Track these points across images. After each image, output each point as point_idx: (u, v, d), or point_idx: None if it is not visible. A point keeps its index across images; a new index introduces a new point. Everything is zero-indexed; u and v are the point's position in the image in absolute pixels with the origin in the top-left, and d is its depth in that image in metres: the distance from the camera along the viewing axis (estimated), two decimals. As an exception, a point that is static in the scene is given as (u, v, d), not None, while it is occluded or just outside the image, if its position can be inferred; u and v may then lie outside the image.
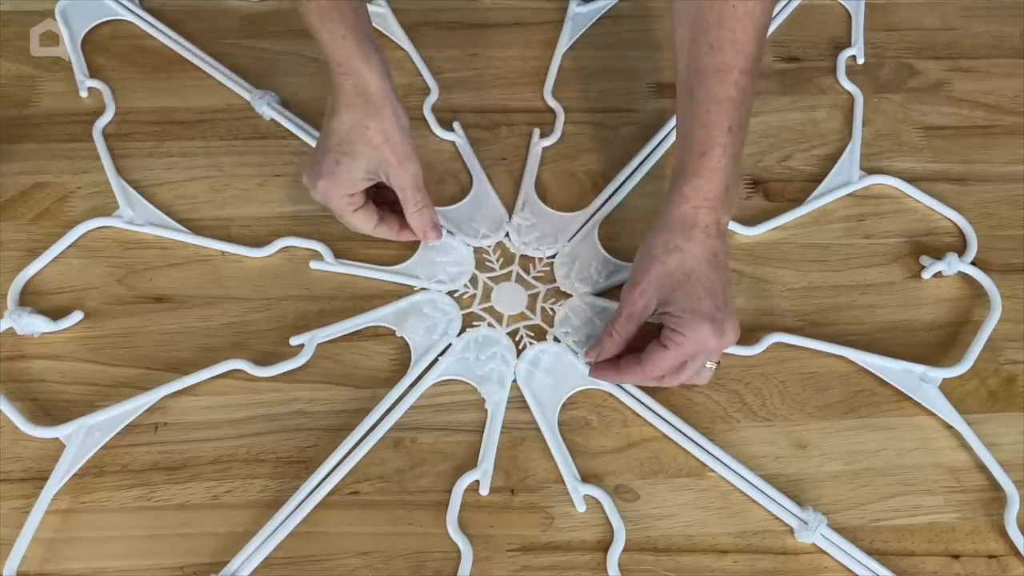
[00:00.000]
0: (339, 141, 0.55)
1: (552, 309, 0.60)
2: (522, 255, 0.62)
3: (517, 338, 0.58)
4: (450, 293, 0.60)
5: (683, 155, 0.54)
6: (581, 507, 0.52)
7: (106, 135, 0.65)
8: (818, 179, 0.65)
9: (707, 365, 0.54)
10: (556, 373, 0.57)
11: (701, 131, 0.52)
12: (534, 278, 0.61)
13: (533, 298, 0.60)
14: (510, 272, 0.61)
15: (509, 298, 0.60)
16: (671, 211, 0.53)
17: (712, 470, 0.54)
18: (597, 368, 0.56)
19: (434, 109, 0.68)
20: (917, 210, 0.65)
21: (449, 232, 0.62)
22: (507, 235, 0.62)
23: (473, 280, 0.61)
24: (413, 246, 0.61)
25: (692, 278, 0.52)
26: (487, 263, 0.62)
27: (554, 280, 0.61)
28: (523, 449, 0.54)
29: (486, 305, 0.60)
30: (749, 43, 0.51)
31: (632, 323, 0.54)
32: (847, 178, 0.65)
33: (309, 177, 0.57)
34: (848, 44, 0.73)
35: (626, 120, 0.68)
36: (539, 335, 0.59)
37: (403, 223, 0.59)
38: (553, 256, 0.62)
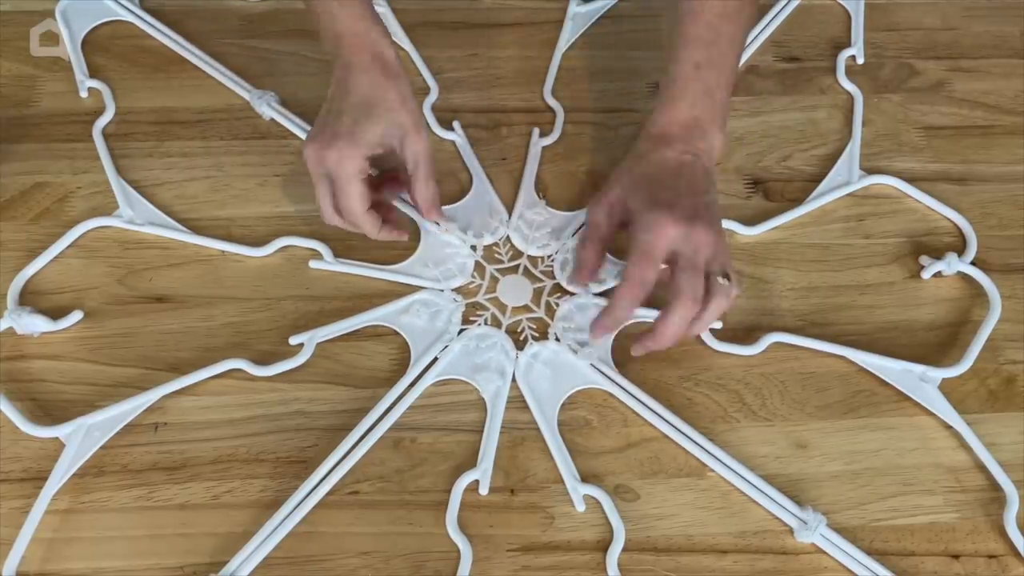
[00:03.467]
0: (357, 101, 0.55)
1: (556, 303, 0.60)
2: (529, 254, 0.62)
3: (520, 329, 0.59)
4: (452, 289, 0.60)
5: (660, 88, 0.59)
6: (581, 507, 0.52)
7: (106, 135, 0.65)
8: (818, 179, 0.66)
9: (720, 280, 0.53)
10: (555, 366, 0.57)
11: (673, 66, 0.57)
12: (541, 272, 0.61)
13: (539, 292, 0.60)
14: (517, 265, 0.61)
15: (515, 290, 0.60)
16: (645, 132, 0.58)
17: (712, 470, 0.54)
18: (598, 327, 0.56)
19: (434, 109, 0.68)
20: (917, 210, 0.65)
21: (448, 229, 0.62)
22: (507, 236, 0.62)
23: (480, 271, 0.61)
24: (413, 245, 0.61)
25: (655, 179, 0.55)
26: (496, 255, 0.62)
27: (554, 278, 0.61)
28: (523, 449, 0.54)
29: (491, 296, 0.60)
30: None
31: (598, 230, 0.56)
32: (847, 178, 0.65)
33: (318, 141, 0.55)
34: (848, 44, 0.73)
35: (626, 120, 0.68)
36: (541, 329, 0.59)
37: (385, 221, 0.58)
38: (552, 255, 0.62)
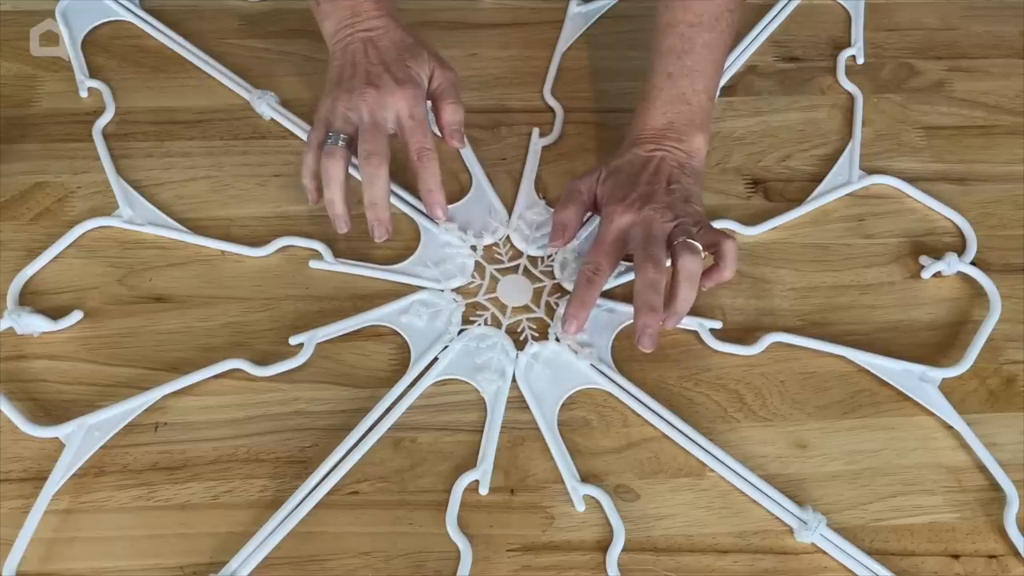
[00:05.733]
0: (396, 53, 0.60)
1: (556, 303, 0.60)
2: (529, 255, 0.62)
3: (520, 329, 0.59)
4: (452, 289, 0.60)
5: (640, 98, 0.62)
6: (581, 507, 0.52)
7: (106, 135, 0.65)
8: (818, 179, 0.66)
9: (681, 240, 0.54)
10: (555, 366, 0.57)
11: (648, 76, 0.61)
12: (541, 272, 0.61)
13: (539, 292, 0.60)
14: (518, 265, 0.61)
15: (515, 290, 0.60)
16: (626, 137, 0.61)
17: (712, 470, 0.54)
18: (566, 315, 0.56)
19: (434, 109, 0.68)
20: (917, 210, 0.65)
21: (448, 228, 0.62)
22: (507, 236, 0.62)
23: (480, 271, 0.61)
24: (413, 246, 0.61)
25: (622, 172, 0.59)
26: (496, 255, 0.62)
27: (554, 278, 0.61)
28: (523, 449, 0.54)
29: (491, 296, 0.60)
30: (699, 1, 0.59)
31: (579, 195, 0.59)
32: (847, 178, 0.65)
33: (370, 89, 0.58)
34: (848, 44, 0.73)
35: (626, 120, 0.67)
36: (541, 329, 0.59)
37: (381, 222, 0.59)
38: (551, 255, 0.62)
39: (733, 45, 0.68)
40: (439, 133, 0.63)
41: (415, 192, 0.63)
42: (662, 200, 0.57)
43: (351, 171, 0.60)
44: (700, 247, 0.54)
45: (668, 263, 0.55)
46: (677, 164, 0.59)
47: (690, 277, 0.53)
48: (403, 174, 0.60)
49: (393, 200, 0.62)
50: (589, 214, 0.61)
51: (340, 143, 0.58)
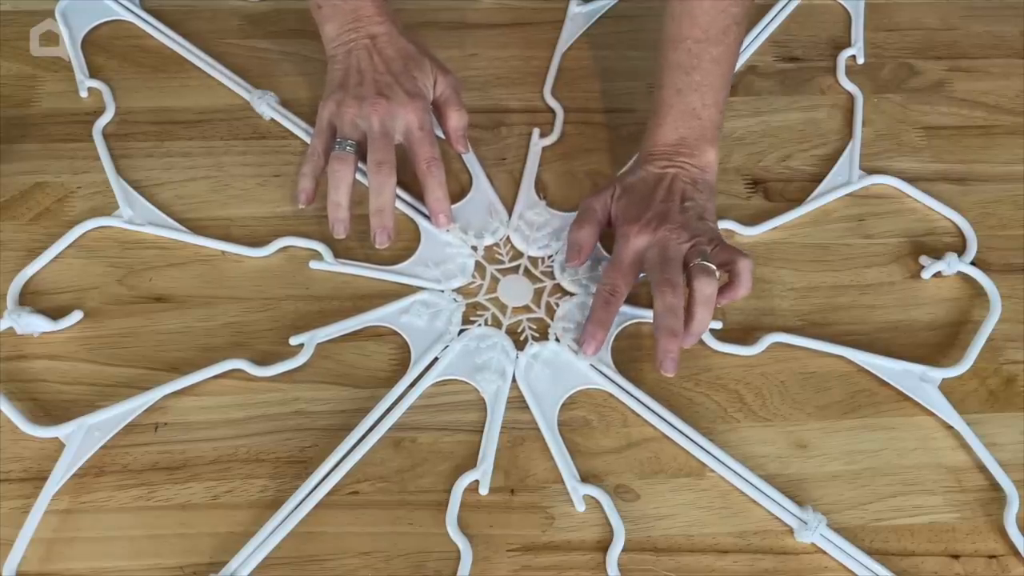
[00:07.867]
0: (401, 63, 0.61)
1: (556, 303, 0.60)
2: (529, 255, 0.62)
3: (520, 329, 0.59)
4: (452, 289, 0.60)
5: (650, 112, 0.62)
6: (581, 507, 0.52)
7: (106, 135, 0.65)
8: (818, 179, 0.66)
9: (697, 262, 0.54)
10: (555, 366, 0.57)
11: (657, 92, 0.61)
12: (541, 273, 0.61)
13: (539, 292, 0.60)
14: (518, 265, 0.61)
15: (515, 290, 0.60)
16: (638, 153, 0.61)
17: (712, 470, 0.54)
18: (585, 336, 0.56)
19: (434, 109, 0.68)
20: (917, 210, 0.65)
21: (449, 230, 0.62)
22: (507, 236, 0.62)
23: (481, 271, 0.61)
24: (413, 246, 0.61)
25: (636, 190, 0.59)
26: (496, 256, 0.62)
27: (555, 278, 0.61)
28: (523, 449, 0.54)
29: (491, 296, 0.60)
30: (704, 15, 0.58)
31: (593, 214, 0.59)
32: (847, 178, 0.65)
33: (380, 100, 0.59)
34: (848, 44, 0.73)
35: (626, 120, 0.68)
36: (541, 329, 0.59)
37: (384, 228, 0.59)
38: (552, 255, 0.62)
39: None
40: (442, 137, 0.64)
41: (415, 193, 0.63)
42: (677, 219, 0.56)
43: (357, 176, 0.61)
44: (715, 269, 0.54)
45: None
46: (690, 180, 0.59)
47: (706, 301, 0.54)
48: (402, 174, 0.60)
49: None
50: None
51: (349, 149, 0.59)
